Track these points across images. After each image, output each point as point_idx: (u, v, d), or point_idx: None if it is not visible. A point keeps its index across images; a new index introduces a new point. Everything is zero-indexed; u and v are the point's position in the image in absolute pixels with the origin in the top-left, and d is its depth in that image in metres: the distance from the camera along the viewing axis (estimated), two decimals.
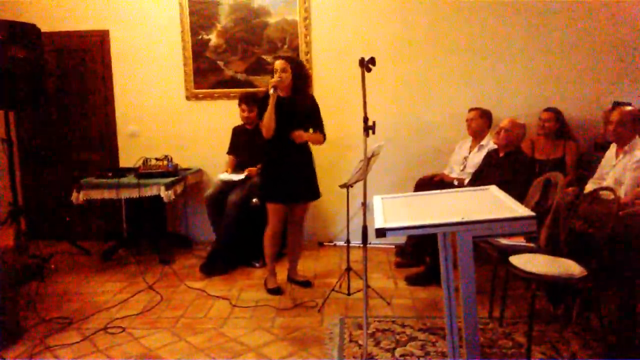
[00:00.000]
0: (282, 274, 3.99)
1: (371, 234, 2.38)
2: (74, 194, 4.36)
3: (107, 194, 4.36)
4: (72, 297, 3.82)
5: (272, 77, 3.54)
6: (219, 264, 4.30)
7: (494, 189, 2.39)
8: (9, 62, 4.03)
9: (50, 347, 3.04)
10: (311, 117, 3.67)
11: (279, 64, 3.53)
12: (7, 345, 3.05)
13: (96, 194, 4.37)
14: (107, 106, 5.10)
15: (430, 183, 4.31)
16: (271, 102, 3.44)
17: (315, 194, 3.78)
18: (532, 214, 1.94)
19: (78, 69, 5.10)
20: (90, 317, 3.45)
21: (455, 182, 4.25)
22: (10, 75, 4.06)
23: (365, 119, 2.60)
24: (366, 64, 2.48)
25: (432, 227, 1.94)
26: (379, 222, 1.93)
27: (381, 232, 1.85)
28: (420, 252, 4.25)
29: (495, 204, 2.19)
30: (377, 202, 2.28)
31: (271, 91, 3.43)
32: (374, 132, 2.63)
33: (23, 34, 4.21)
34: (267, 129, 3.50)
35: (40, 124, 5.18)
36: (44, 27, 4.51)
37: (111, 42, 5.00)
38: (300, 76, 3.61)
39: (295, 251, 3.97)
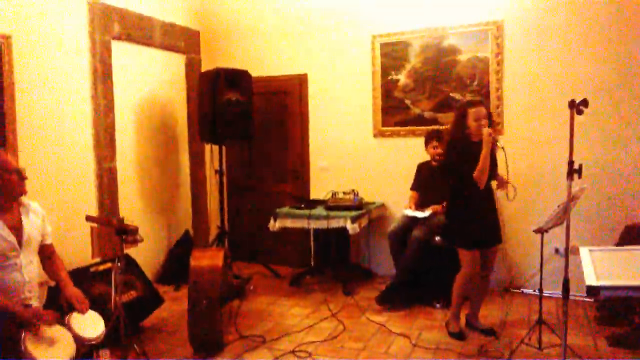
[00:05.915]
0: (461, 318, 3.84)
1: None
2: (271, 222, 4.77)
3: (299, 224, 4.69)
4: (264, 317, 4.16)
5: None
6: (397, 298, 4.31)
7: None
8: (226, 104, 4.63)
9: None
10: (494, 161, 3.63)
11: (483, 112, 3.52)
12: (209, 357, 3.42)
13: (289, 223, 4.73)
14: (303, 141, 5.53)
15: None
16: (486, 151, 3.40)
17: (500, 237, 3.78)
18: None
19: (279, 108, 5.63)
20: (280, 339, 3.72)
21: None
22: (226, 116, 4.65)
23: (571, 162, 2.43)
24: (577, 106, 2.32)
25: None
26: (590, 278, 1.77)
27: (594, 291, 1.69)
28: (626, 309, 3.75)
29: None
30: (584, 254, 2.09)
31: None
32: (579, 176, 2.45)
33: (238, 79, 4.81)
34: (483, 178, 3.46)
35: (243, 157, 5.78)
36: (254, 73, 5.10)
37: (309, 84, 5.44)
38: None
39: (480, 297, 3.82)
